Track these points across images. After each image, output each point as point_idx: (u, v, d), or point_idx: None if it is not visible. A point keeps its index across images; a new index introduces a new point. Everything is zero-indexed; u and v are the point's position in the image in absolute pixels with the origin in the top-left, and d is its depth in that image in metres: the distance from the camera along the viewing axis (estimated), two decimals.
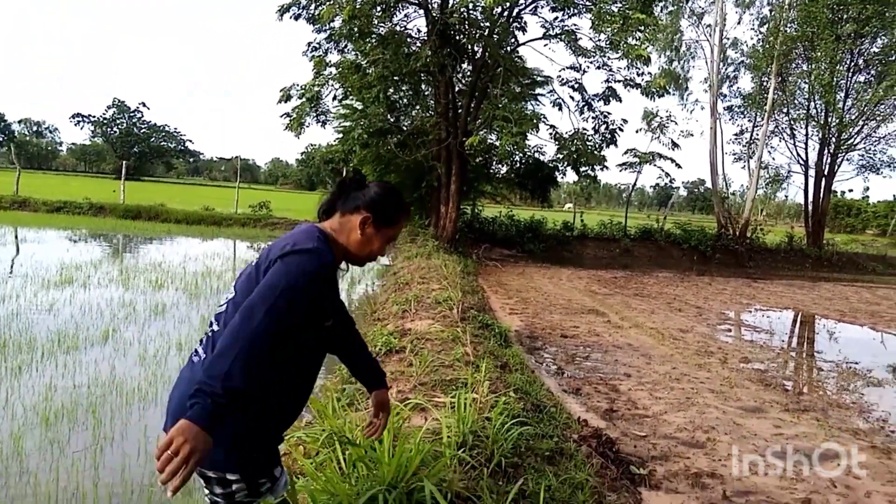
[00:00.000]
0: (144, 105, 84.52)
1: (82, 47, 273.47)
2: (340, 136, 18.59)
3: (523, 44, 15.37)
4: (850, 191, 57.17)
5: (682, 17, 23.36)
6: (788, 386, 5.98)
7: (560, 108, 16.06)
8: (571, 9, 14.21)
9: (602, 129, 15.76)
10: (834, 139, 22.29)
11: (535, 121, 14.91)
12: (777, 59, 20.86)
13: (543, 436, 3.48)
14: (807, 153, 23.33)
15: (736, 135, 24.98)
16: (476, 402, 3.43)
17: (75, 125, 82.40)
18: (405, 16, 14.63)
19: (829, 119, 21.76)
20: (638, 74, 14.46)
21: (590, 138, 15.65)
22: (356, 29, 13.19)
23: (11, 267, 9.79)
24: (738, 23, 44.18)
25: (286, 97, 14.79)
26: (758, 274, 18.53)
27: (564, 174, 18.48)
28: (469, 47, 14.54)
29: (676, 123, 23.01)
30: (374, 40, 13.86)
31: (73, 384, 4.58)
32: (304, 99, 14.63)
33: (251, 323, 1.42)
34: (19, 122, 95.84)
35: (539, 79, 17.19)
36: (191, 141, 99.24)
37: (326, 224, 1.78)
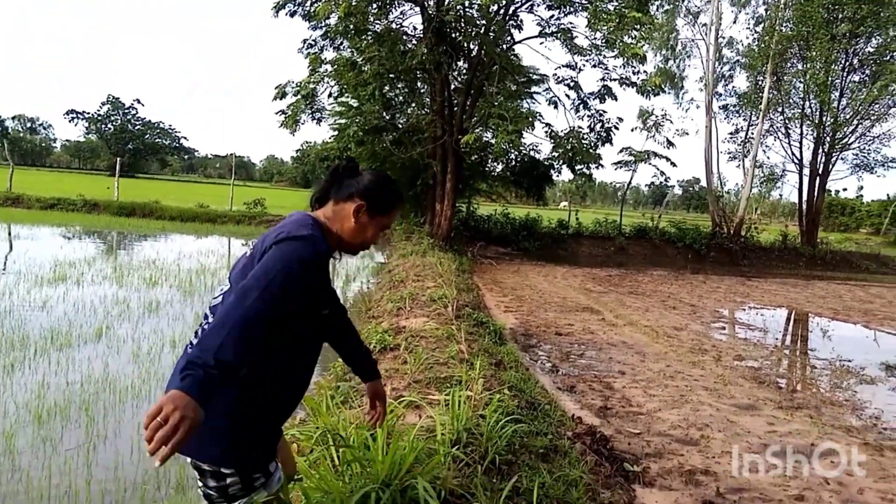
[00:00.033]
0: (139, 102, 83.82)
1: (82, 47, 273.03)
2: (336, 133, 18.57)
3: (519, 42, 15.40)
4: (844, 190, 57.44)
5: (677, 16, 23.41)
6: (782, 383, 6.00)
7: (556, 107, 16.12)
8: (567, 7, 14.23)
9: (597, 127, 15.80)
10: (828, 138, 22.38)
11: (530, 119, 14.93)
12: (772, 58, 20.92)
13: (538, 433, 3.48)
14: (801, 152, 23.48)
15: (731, 133, 25.11)
16: (470, 399, 3.42)
17: (69, 122, 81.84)
18: (401, 13, 14.65)
19: (824, 118, 21.85)
20: (633, 73, 14.50)
21: (585, 136, 15.69)
22: (352, 26, 13.18)
23: (4, 264, 9.74)
24: (734, 22, 44.51)
25: (281, 94, 14.76)
26: (752, 272, 18.59)
27: (560, 172, 18.54)
28: (465, 45, 14.54)
29: (672, 122, 23.01)
30: (369, 37, 13.85)
31: (66, 382, 4.56)
32: (299, 96, 14.61)
33: (245, 302, 1.40)
34: (13, 118, 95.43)
35: (535, 77, 17.22)
36: (185, 138, 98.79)
37: (320, 212, 1.78)
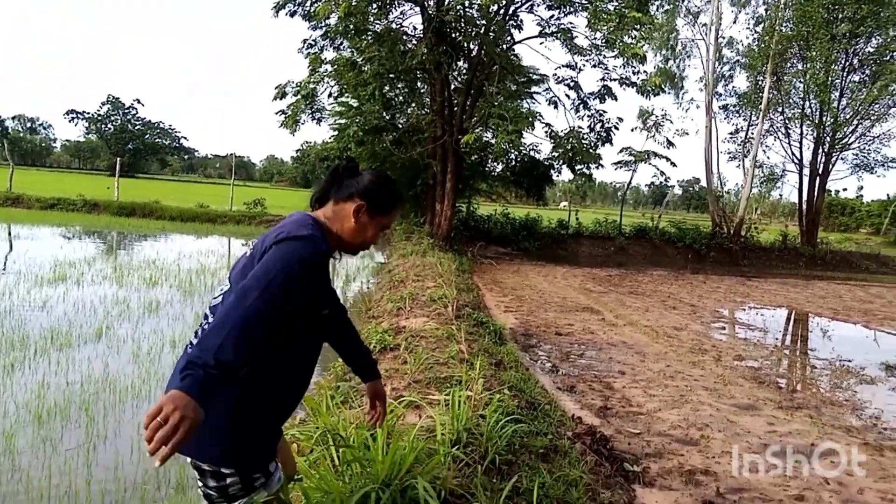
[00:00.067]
0: (139, 102, 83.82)
1: (82, 47, 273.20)
2: (336, 133, 18.58)
3: (519, 42, 15.40)
4: (844, 190, 57.46)
5: (677, 16, 23.41)
6: (782, 383, 6.00)
7: (556, 107, 16.11)
8: (567, 7, 14.23)
9: (597, 127, 15.80)
10: (828, 138, 22.38)
11: (530, 119, 14.93)
12: (772, 58, 20.92)
13: (538, 433, 3.48)
14: (801, 152, 23.48)
15: (731, 133, 25.11)
16: (470, 399, 3.42)
17: (69, 122, 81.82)
18: (401, 13, 14.65)
19: (824, 118, 21.85)
20: (633, 73, 14.49)
21: (585, 136, 15.69)
22: (352, 26, 13.18)
23: (4, 264, 9.74)
24: (734, 22, 44.52)
25: (281, 94, 14.76)
26: (752, 272, 18.59)
27: (560, 172, 18.54)
28: (465, 45, 14.54)
29: (672, 122, 23.00)
30: (369, 37, 13.85)
31: (66, 382, 4.56)
32: (299, 96, 14.61)
33: (245, 302, 1.39)
34: (13, 118, 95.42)
35: (535, 77, 17.21)
36: (185, 138, 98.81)
37: (319, 212, 1.78)
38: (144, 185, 41.00)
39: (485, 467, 2.77)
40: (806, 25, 20.30)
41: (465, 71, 15.75)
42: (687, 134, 47.87)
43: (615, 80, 14.85)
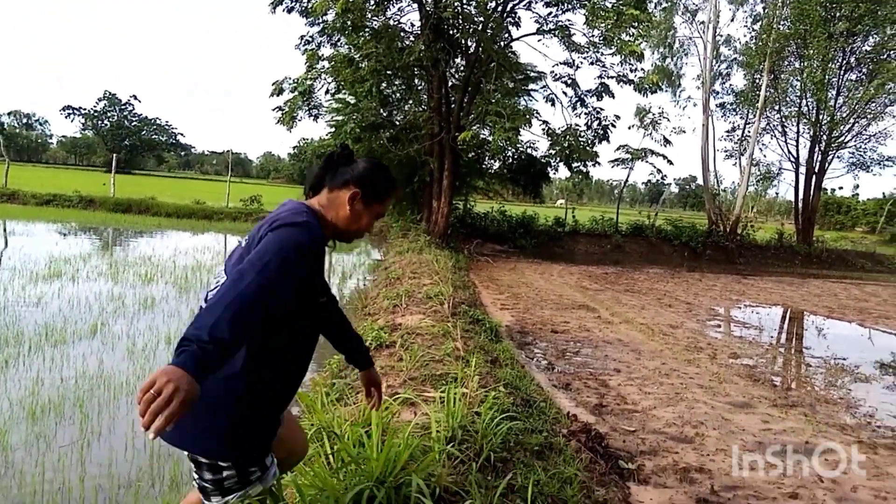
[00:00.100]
0: (136, 98, 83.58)
1: (81, 47, 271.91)
2: (332, 130, 18.50)
3: (517, 39, 15.39)
4: (840, 188, 57.82)
5: (675, 14, 23.43)
6: (777, 382, 6.01)
7: (553, 104, 16.09)
8: (565, 4, 14.23)
9: (594, 124, 15.80)
10: (825, 137, 22.43)
11: (527, 116, 14.94)
12: (770, 56, 20.94)
13: (533, 430, 3.48)
14: (798, 150, 23.51)
15: (728, 132, 25.15)
16: (466, 396, 3.42)
17: (66, 117, 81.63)
18: (398, 9, 14.61)
19: (821, 117, 21.89)
20: (631, 70, 14.51)
21: (582, 134, 15.69)
22: (349, 22, 13.14)
23: (0, 260, 9.71)
24: (732, 20, 44.55)
25: (278, 90, 14.73)
26: (748, 270, 18.64)
27: (557, 170, 18.54)
28: (463, 42, 14.52)
29: (669, 120, 23.12)
30: (367, 34, 13.82)
31: (60, 378, 4.54)
32: (296, 92, 14.58)
33: (240, 284, 1.38)
34: (9, 113, 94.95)
35: (532, 74, 17.18)
36: (182, 134, 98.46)
37: (314, 200, 1.77)
38: (141, 181, 40.88)
39: (480, 464, 2.77)
40: (803, 24, 20.33)
41: (462, 68, 15.72)
42: (684, 132, 47.71)
43: (613, 77, 14.85)
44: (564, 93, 15.83)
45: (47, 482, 3.11)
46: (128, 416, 3.99)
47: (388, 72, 14.76)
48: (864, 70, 21.88)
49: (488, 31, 13.73)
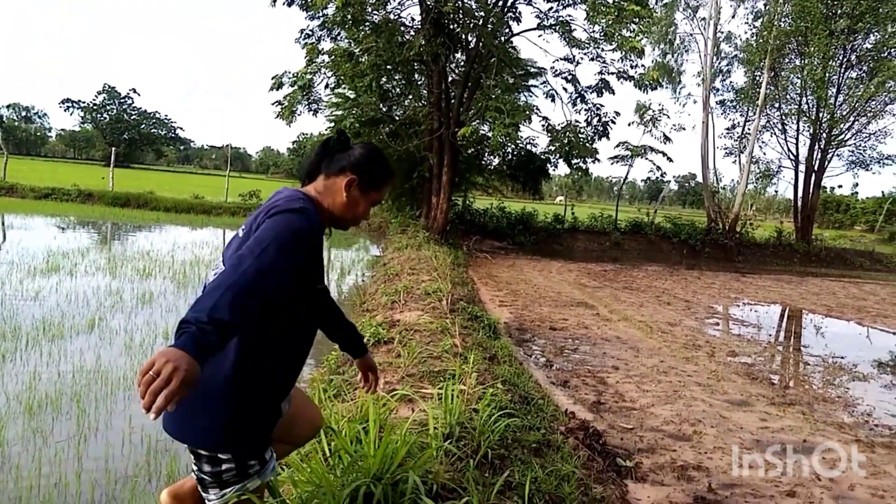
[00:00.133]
0: (135, 91, 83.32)
1: (81, 48, 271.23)
2: (332, 124, 18.45)
3: (517, 34, 15.32)
4: (840, 187, 57.82)
5: (676, 10, 23.36)
6: (775, 380, 6.02)
7: (553, 100, 16.06)
8: None
9: (594, 121, 15.77)
10: (825, 135, 22.41)
11: (527, 112, 14.90)
12: (770, 53, 20.90)
13: (530, 428, 3.47)
14: (797, 148, 23.51)
15: (728, 129, 25.15)
16: (464, 393, 3.41)
17: (65, 111, 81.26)
18: (399, 4, 14.53)
19: (821, 114, 21.87)
20: (631, 67, 14.46)
21: (582, 130, 15.65)
22: (349, 16, 13.10)
23: None
24: (733, 17, 44.36)
25: (278, 84, 14.68)
26: (746, 268, 18.65)
27: (556, 166, 18.49)
28: (463, 37, 14.47)
29: (669, 117, 23.05)
30: (367, 28, 13.76)
31: (57, 373, 4.53)
32: (296, 87, 14.53)
33: (239, 269, 1.37)
34: (8, 107, 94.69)
35: (532, 70, 17.15)
36: (181, 129, 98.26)
37: (310, 188, 1.75)
38: (139, 175, 40.79)
39: (477, 461, 2.76)
40: (804, 21, 20.30)
41: (462, 63, 15.67)
42: (684, 129, 47.63)
43: (613, 73, 14.81)
44: (565, 89, 15.80)
45: (44, 477, 3.10)
46: (125, 411, 3.98)
47: (388, 66, 14.71)
48: (865, 68, 21.86)
49: (489, 26, 13.68)
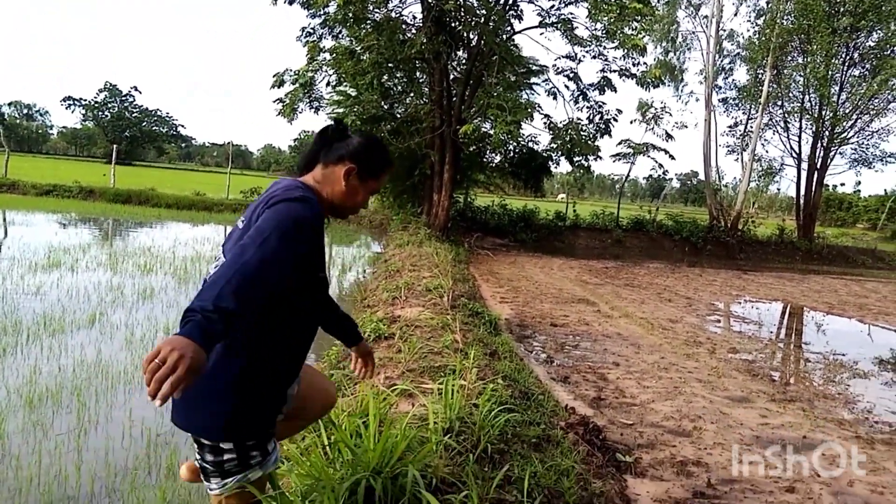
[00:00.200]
0: (136, 89, 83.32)
1: (81, 48, 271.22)
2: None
3: (519, 32, 15.30)
4: (842, 185, 57.73)
5: (678, 8, 23.31)
6: (775, 376, 6.01)
7: (555, 98, 16.06)
8: None
9: (596, 118, 15.76)
10: (827, 133, 22.35)
11: (529, 110, 14.87)
12: (773, 51, 20.85)
13: (530, 423, 3.48)
14: (800, 146, 23.45)
15: (730, 127, 25.09)
16: (464, 388, 3.41)
17: (66, 108, 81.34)
18: (400, 1, 14.52)
19: (823, 112, 21.80)
20: (633, 64, 14.45)
21: (584, 128, 15.64)
22: (351, 14, 13.08)
23: None
24: (735, 14, 44.06)
25: (279, 82, 14.67)
26: (748, 266, 18.62)
27: (558, 164, 18.48)
28: (464, 35, 14.44)
29: (671, 115, 23.05)
30: (368, 26, 13.74)
31: (58, 367, 4.54)
32: (297, 84, 14.52)
33: (242, 258, 1.37)
34: (10, 104, 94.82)
35: (534, 67, 17.12)
36: (183, 126, 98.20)
37: (308, 177, 1.75)
38: (141, 172, 40.82)
39: (477, 456, 2.76)
40: (807, 19, 20.23)
41: (464, 61, 15.66)
42: (686, 127, 47.78)
43: (615, 71, 14.80)
44: (566, 86, 15.78)
45: (44, 470, 3.11)
46: (125, 404, 3.99)
47: (390, 64, 14.69)
48: (868, 66, 21.77)
49: (490, 23, 13.65)
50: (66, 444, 3.41)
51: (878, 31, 21.00)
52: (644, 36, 14.06)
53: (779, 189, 35.52)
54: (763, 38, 21.58)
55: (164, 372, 1.15)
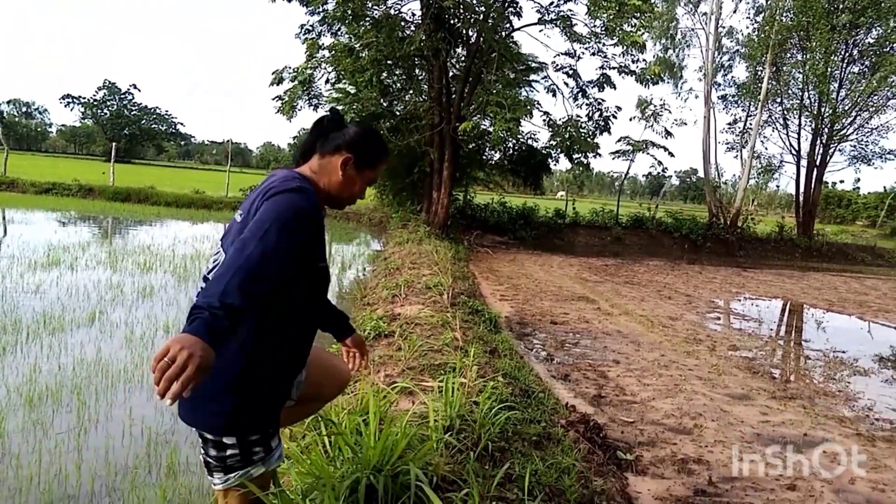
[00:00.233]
0: (135, 87, 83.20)
1: (82, 48, 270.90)
2: None
3: (518, 29, 15.27)
4: (842, 182, 57.58)
5: (678, 5, 23.25)
6: (776, 374, 6.01)
7: (554, 95, 16.04)
8: None
9: (596, 116, 15.74)
10: (826, 130, 22.33)
11: (528, 107, 14.84)
12: (772, 48, 20.82)
13: (531, 421, 3.47)
14: (799, 143, 23.43)
15: (729, 124, 25.04)
16: (464, 386, 3.41)
17: (65, 106, 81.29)
18: None
19: (823, 109, 21.79)
20: (633, 61, 14.44)
21: (583, 125, 15.63)
22: (350, 11, 13.06)
23: None
24: (734, 11, 44.15)
25: (278, 80, 14.65)
26: (748, 263, 18.62)
27: (557, 161, 18.47)
28: (464, 32, 14.42)
29: (670, 112, 23.01)
30: (367, 23, 13.71)
31: (58, 366, 4.54)
32: (296, 81, 14.50)
33: (244, 252, 1.38)
34: (8, 102, 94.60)
35: (533, 65, 17.09)
36: (182, 124, 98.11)
37: (305, 168, 1.75)
38: (140, 170, 40.80)
39: (477, 454, 2.76)
40: (806, 16, 20.20)
41: (463, 58, 15.62)
42: (685, 124, 47.78)
43: (614, 68, 14.78)
44: (566, 83, 15.77)
45: (44, 469, 3.10)
46: (125, 403, 3.99)
47: (389, 61, 14.67)
48: (867, 62, 21.75)
49: (489, 20, 13.64)
50: (67, 442, 3.40)
51: (878, 28, 20.98)
52: (643, 33, 14.02)
53: (778, 186, 35.62)
54: (762, 35, 21.55)
55: (174, 371, 1.15)
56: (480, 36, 14.02)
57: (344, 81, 15.89)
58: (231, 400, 1.58)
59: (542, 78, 16.82)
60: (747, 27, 32.33)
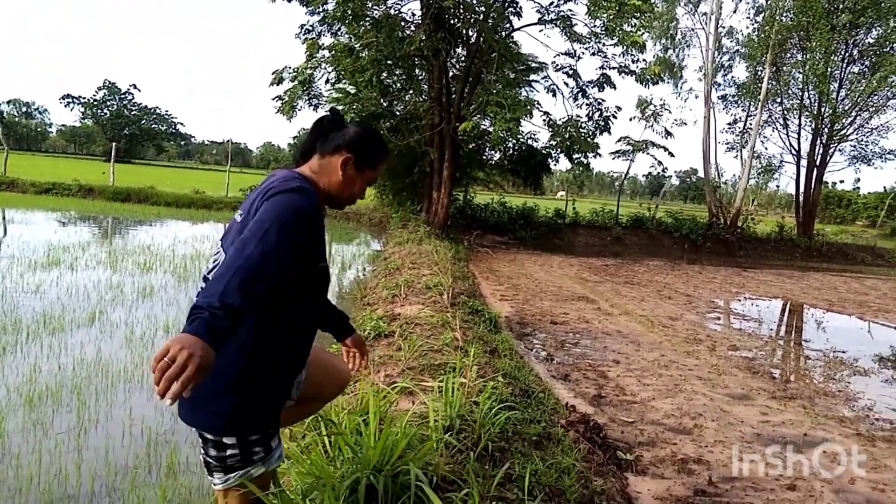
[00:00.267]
0: (135, 87, 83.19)
1: (82, 48, 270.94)
2: None
3: (518, 29, 15.27)
4: (842, 182, 57.56)
5: (678, 5, 23.24)
6: (776, 374, 6.01)
7: (554, 95, 16.04)
8: None
9: (596, 116, 15.74)
10: (826, 130, 22.32)
11: (528, 107, 14.85)
12: (772, 48, 20.82)
13: (531, 421, 3.47)
14: (799, 143, 23.43)
15: (729, 124, 25.05)
16: (464, 386, 3.41)
17: (65, 106, 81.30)
18: None
19: (823, 109, 21.78)
20: (633, 61, 14.44)
21: (583, 125, 15.63)
22: (350, 11, 13.06)
23: None
24: (734, 11, 44.14)
25: (278, 79, 14.65)
26: (748, 263, 18.62)
27: (557, 161, 18.47)
28: (464, 32, 14.42)
29: (670, 112, 23.01)
30: (367, 23, 13.71)
31: (58, 366, 4.54)
32: (296, 82, 14.50)
33: (245, 252, 1.38)
34: (8, 102, 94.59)
35: (534, 65, 17.08)
36: (182, 124, 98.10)
37: (305, 167, 1.75)
38: (140, 170, 40.80)
39: (477, 454, 2.76)
40: (806, 16, 20.20)
41: (463, 58, 15.62)
42: (685, 124, 47.79)
43: (614, 68, 14.78)
44: (566, 83, 15.77)
45: (44, 469, 3.10)
46: (125, 403, 3.99)
47: (389, 61, 14.67)
48: (867, 62, 21.74)
49: (489, 21, 13.63)
50: (67, 442, 3.40)
51: (878, 28, 20.97)
52: (643, 33, 14.03)
53: (778, 186, 35.61)
54: (762, 35, 21.54)
55: (174, 371, 1.15)
56: (480, 36, 14.02)
57: (344, 81, 15.89)
58: (231, 400, 1.58)
59: (542, 78, 16.84)
60: (747, 27, 32.37)
